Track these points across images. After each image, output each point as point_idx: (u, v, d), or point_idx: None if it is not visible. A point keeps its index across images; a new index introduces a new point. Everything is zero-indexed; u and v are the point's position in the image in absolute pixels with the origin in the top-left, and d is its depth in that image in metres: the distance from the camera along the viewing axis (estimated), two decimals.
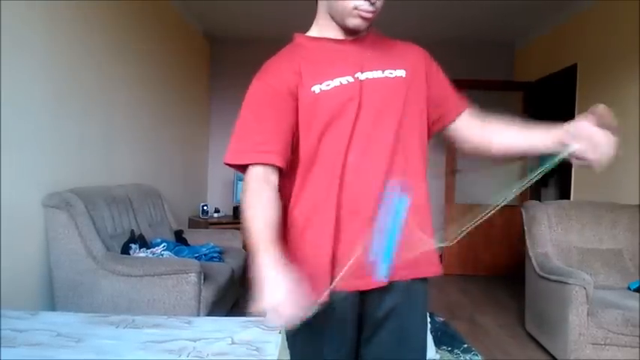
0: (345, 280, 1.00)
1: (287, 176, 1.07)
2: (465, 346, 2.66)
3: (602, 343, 2.51)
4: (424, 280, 1.13)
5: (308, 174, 1.06)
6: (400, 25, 3.75)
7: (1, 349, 1.66)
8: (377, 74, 1.07)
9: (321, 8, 1.11)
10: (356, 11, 1.02)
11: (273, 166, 1.02)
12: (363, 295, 1.07)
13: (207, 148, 5.62)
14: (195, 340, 1.82)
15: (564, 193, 4.54)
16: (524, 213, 3.22)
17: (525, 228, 3.16)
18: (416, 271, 1.09)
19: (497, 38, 5.34)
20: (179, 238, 3.51)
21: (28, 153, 2.35)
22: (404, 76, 1.09)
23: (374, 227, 1.00)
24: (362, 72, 1.06)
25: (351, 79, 1.05)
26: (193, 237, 3.61)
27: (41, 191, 2.42)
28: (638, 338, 2.45)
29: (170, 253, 2.87)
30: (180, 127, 4.56)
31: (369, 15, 1.03)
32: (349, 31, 1.08)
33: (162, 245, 2.92)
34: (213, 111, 5.58)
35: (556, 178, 5.44)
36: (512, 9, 4.38)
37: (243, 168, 1.04)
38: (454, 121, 1.18)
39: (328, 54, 1.09)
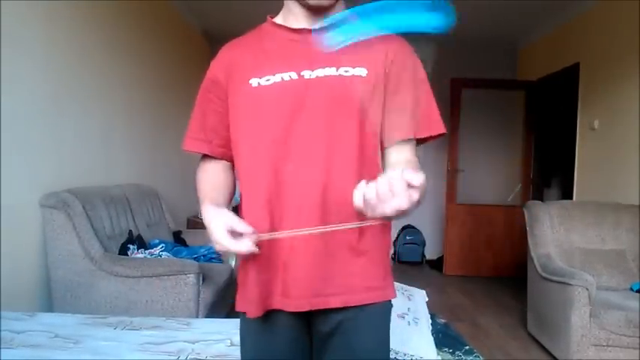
0: (287, 299, 0.94)
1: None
2: (467, 347, 2.64)
3: (605, 344, 2.50)
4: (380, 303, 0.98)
5: (244, 177, 0.99)
6: None
7: (0, 350, 1.65)
8: (330, 72, 0.93)
9: None
10: None
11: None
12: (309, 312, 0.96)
13: None
14: (193, 342, 1.81)
15: (567, 194, 4.52)
16: (526, 213, 3.19)
17: (527, 228, 3.14)
18: (349, 299, 0.94)
19: (499, 37, 5.32)
20: (177, 238, 3.49)
21: (26, 153, 2.34)
22: (363, 75, 0.93)
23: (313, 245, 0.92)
24: (312, 69, 0.93)
25: (294, 75, 0.93)
26: (192, 238, 3.59)
27: (39, 191, 2.40)
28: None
29: (168, 254, 2.85)
30: (178, 126, 4.52)
31: None
32: (314, 12, 0.96)
33: (161, 246, 2.90)
34: None
35: (559, 178, 5.42)
36: (515, 8, 4.36)
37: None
38: (387, 147, 0.97)
39: (280, 45, 0.97)
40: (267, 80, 0.93)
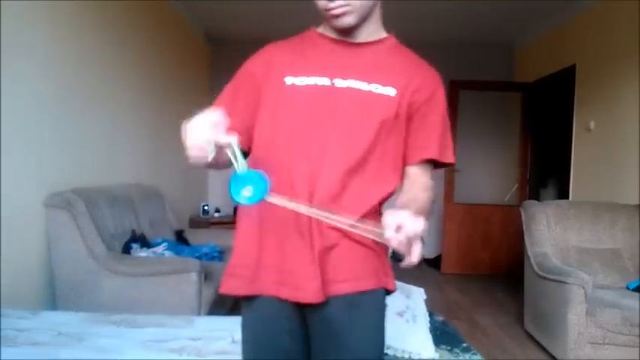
0: (277, 287, 0.97)
1: None
2: (464, 345, 2.67)
3: (601, 342, 2.53)
4: (376, 291, 1.02)
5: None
6: (398, 26, 3.74)
7: (3, 348, 1.67)
8: (361, 85, 0.97)
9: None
10: (327, 12, 0.96)
11: None
12: (302, 306, 0.98)
13: None
14: (195, 339, 1.84)
15: (563, 193, 4.56)
16: (523, 212, 3.23)
17: (524, 227, 3.17)
18: (356, 284, 0.99)
19: (496, 39, 5.36)
20: (180, 237, 3.52)
21: (30, 153, 2.36)
22: (392, 95, 0.98)
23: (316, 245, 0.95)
24: (344, 79, 0.98)
25: (327, 82, 0.98)
26: (194, 237, 3.62)
27: (43, 191, 2.42)
28: (636, 337, 2.46)
29: (171, 253, 2.88)
30: (180, 127, 4.56)
31: (338, 11, 0.94)
32: (341, 32, 1.01)
33: (163, 245, 2.93)
34: None
35: (555, 178, 5.46)
36: (512, 10, 4.39)
37: None
38: (410, 165, 1.03)
39: (321, 52, 1.03)
40: (302, 81, 0.99)
